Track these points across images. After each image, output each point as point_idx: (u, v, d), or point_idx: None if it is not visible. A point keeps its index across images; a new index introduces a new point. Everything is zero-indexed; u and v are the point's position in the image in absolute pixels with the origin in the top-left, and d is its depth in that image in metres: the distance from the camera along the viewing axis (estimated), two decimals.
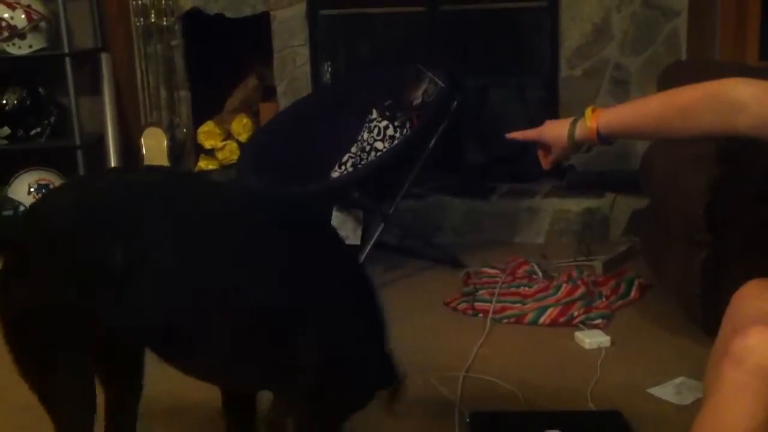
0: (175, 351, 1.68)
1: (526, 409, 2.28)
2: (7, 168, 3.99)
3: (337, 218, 3.38)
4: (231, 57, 4.10)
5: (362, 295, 1.78)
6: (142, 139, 4.03)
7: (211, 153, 4.10)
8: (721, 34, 3.79)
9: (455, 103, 3.30)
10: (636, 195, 3.48)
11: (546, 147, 1.80)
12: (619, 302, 2.97)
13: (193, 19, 4.02)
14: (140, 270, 1.57)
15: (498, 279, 3.15)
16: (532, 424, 2.21)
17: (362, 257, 3.16)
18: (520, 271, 3.22)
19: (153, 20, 3.97)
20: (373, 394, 1.81)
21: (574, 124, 1.71)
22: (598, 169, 3.74)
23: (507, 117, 4.05)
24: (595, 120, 1.67)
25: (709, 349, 1.62)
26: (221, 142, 4.07)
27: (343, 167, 3.53)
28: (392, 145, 3.38)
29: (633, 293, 3.02)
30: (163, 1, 3.94)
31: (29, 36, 3.89)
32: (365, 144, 3.50)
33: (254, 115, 4.11)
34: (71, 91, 3.90)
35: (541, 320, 2.84)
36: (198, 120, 4.13)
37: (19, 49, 3.90)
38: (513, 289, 3.06)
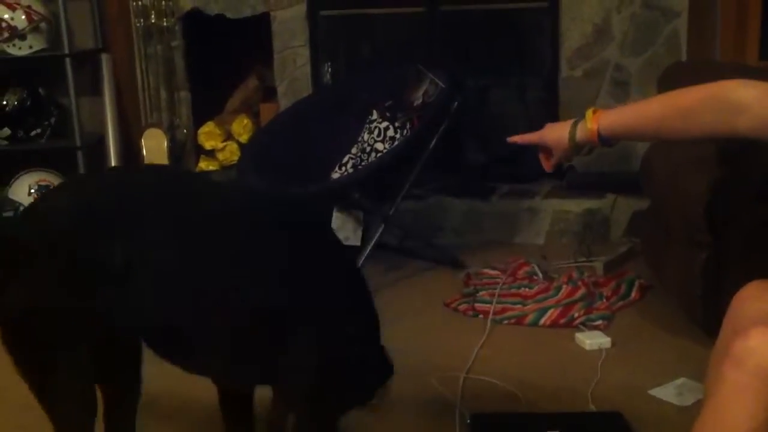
0: (175, 350, 1.68)
1: (526, 410, 2.28)
2: (7, 169, 3.99)
3: (337, 219, 3.38)
4: (231, 58, 4.10)
5: (359, 295, 1.79)
6: (143, 140, 4.03)
7: (211, 154, 4.10)
8: (722, 34, 3.79)
9: (456, 103, 3.30)
10: (636, 196, 3.48)
11: (547, 150, 1.80)
12: (620, 303, 2.97)
13: (194, 20, 4.02)
14: (140, 269, 1.58)
15: (498, 280, 3.15)
16: (532, 425, 2.21)
17: (362, 258, 3.16)
18: (521, 272, 3.22)
19: (153, 21, 3.97)
20: (373, 391, 1.82)
21: (574, 126, 1.71)
22: (598, 169, 3.74)
23: (507, 117, 4.05)
24: (595, 122, 1.67)
25: (709, 350, 1.62)
26: (221, 143, 4.07)
27: (343, 168, 3.53)
28: (392, 146, 3.38)
29: (633, 294, 3.02)
30: (164, 2, 3.94)
31: (29, 37, 3.89)
32: (365, 145, 3.50)
33: (255, 116, 4.11)
34: (71, 91, 3.90)
35: (542, 321, 2.84)
36: (198, 121, 4.13)
37: (19, 49, 3.90)
38: (513, 290, 3.06)
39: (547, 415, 2.25)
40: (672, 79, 2.91)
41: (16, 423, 2.20)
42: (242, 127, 4.04)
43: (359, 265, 3.02)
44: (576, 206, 3.67)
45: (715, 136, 1.59)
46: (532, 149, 1.84)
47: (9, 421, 2.25)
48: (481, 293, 3.03)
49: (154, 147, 4.00)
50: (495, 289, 3.05)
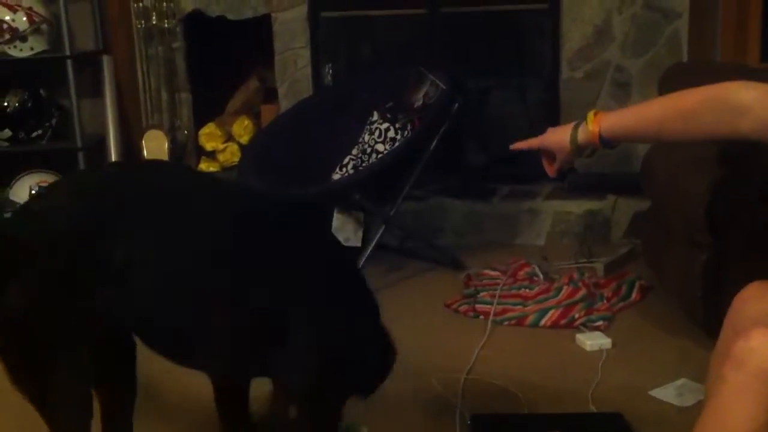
0: (175, 349, 1.68)
1: (527, 411, 2.28)
2: (8, 170, 4.00)
3: (338, 220, 3.38)
4: (232, 59, 4.10)
5: (359, 294, 1.80)
6: (143, 141, 4.03)
7: (212, 155, 4.10)
8: (723, 35, 3.79)
9: (456, 105, 3.30)
10: (637, 197, 3.48)
11: (549, 154, 1.80)
12: (621, 304, 2.97)
13: (195, 21, 4.02)
14: (140, 268, 1.58)
15: (499, 281, 3.15)
16: (533, 426, 2.21)
17: (363, 259, 3.16)
18: (521, 273, 3.22)
19: (154, 22, 3.97)
20: (374, 387, 1.83)
21: (576, 128, 1.71)
22: (599, 171, 3.74)
23: (508, 119, 4.05)
24: (597, 124, 1.67)
25: (710, 350, 1.62)
26: (222, 144, 4.07)
27: (344, 169, 3.54)
28: (393, 147, 3.38)
29: (634, 295, 3.02)
30: (165, 4, 3.94)
31: (31, 38, 3.90)
32: (366, 146, 3.50)
33: (255, 117, 4.11)
34: (72, 93, 3.90)
35: (542, 322, 2.84)
36: (199, 122, 4.13)
37: (20, 51, 3.90)
38: (514, 291, 3.06)
39: (547, 415, 2.25)
40: (673, 80, 2.91)
41: (16, 423, 2.20)
42: (243, 129, 4.04)
43: (360, 265, 3.02)
44: (577, 207, 3.67)
45: (715, 137, 1.59)
46: (533, 151, 1.84)
47: (9, 421, 2.25)
48: (481, 294, 3.03)
49: (155, 148, 4.01)
50: (496, 290, 3.05)
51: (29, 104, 4.01)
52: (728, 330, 1.57)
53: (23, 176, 3.99)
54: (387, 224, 3.28)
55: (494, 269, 3.27)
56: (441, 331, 2.84)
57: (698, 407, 1.69)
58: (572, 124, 1.73)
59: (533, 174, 3.72)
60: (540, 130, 1.84)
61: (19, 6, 3.89)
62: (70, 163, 3.94)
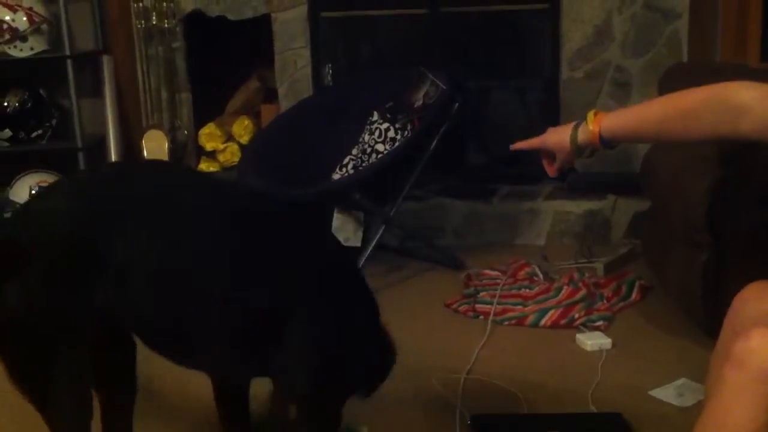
0: (174, 348, 1.68)
1: (527, 411, 2.28)
2: (8, 170, 4.00)
3: (338, 220, 3.38)
4: (232, 59, 4.10)
5: (359, 294, 1.79)
6: (143, 141, 4.03)
7: (212, 155, 4.10)
8: (723, 35, 3.79)
9: (456, 105, 3.31)
10: (637, 197, 3.48)
11: (550, 154, 1.80)
12: (621, 304, 2.97)
13: (195, 22, 4.02)
14: (139, 268, 1.58)
15: (499, 281, 3.15)
16: (533, 426, 2.22)
17: (363, 259, 3.16)
18: (521, 273, 3.22)
19: (154, 22, 3.97)
20: (374, 387, 1.83)
21: (576, 128, 1.71)
22: (599, 171, 3.74)
23: (508, 119, 4.06)
24: (597, 124, 1.67)
25: (710, 350, 1.62)
26: (222, 144, 4.07)
27: (344, 169, 3.54)
28: (393, 147, 3.38)
29: (634, 295, 3.02)
30: (165, 4, 3.94)
31: (31, 38, 3.90)
32: (366, 146, 3.50)
33: (255, 117, 4.11)
34: (72, 93, 3.90)
35: (542, 322, 2.84)
36: (199, 122, 4.13)
37: (20, 51, 3.90)
38: (514, 291, 3.06)
39: (547, 415, 2.25)
40: (673, 80, 2.92)
41: (16, 423, 2.20)
42: (243, 129, 4.04)
43: (360, 265, 3.02)
44: (577, 207, 3.67)
45: (716, 137, 1.59)
46: (533, 151, 1.84)
47: (9, 421, 2.25)
48: (481, 294, 3.04)
49: (155, 148, 4.01)
50: (496, 290, 3.06)
51: (29, 104, 4.01)
52: (728, 330, 1.57)
53: (23, 176, 3.99)
54: (387, 224, 3.28)
55: (494, 269, 3.27)
56: (441, 331, 2.84)
57: (698, 407, 1.69)
58: (572, 124, 1.73)
59: (533, 174, 3.72)
60: (540, 130, 1.84)
61: (19, 6, 3.89)
62: (70, 163, 3.94)
